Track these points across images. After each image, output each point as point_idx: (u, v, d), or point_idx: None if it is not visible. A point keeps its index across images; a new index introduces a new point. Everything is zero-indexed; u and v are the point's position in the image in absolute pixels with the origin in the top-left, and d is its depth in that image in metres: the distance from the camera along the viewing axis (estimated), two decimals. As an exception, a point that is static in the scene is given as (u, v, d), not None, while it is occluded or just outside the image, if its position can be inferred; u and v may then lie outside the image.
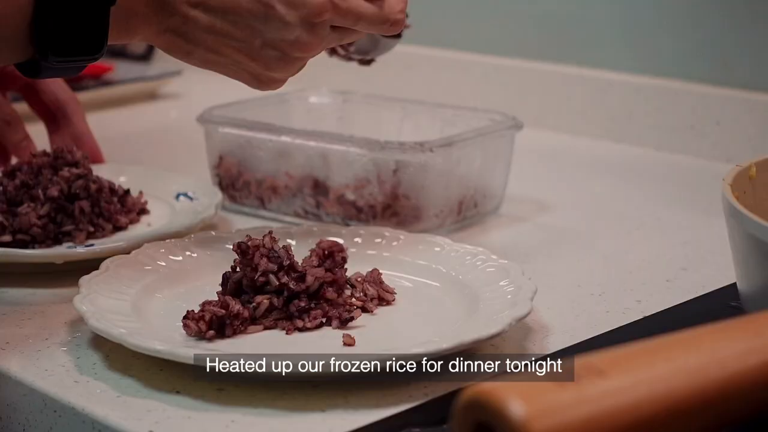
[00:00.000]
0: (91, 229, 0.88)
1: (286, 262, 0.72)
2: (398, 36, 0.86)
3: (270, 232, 0.74)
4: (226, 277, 0.74)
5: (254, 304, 0.71)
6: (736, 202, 0.63)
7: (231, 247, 0.74)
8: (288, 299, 0.72)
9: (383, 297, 0.76)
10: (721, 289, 0.81)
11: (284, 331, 0.71)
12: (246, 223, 0.95)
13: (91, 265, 0.78)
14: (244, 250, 0.73)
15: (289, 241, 0.76)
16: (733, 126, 1.18)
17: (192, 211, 0.93)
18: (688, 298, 0.80)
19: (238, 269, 0.73)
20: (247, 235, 0.74)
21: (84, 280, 0.74)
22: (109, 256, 0.79)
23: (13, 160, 0.97)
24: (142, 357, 0.68)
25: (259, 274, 0.72)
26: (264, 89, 0.81)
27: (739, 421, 0.51)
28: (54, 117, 1.02)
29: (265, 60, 0.76)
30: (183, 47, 0.76)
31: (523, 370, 0.64)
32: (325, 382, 0.65)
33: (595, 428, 0.45)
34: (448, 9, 1.40)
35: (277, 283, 0.72)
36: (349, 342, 0.69)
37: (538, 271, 0.83)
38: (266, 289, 0.72)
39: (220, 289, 0.74)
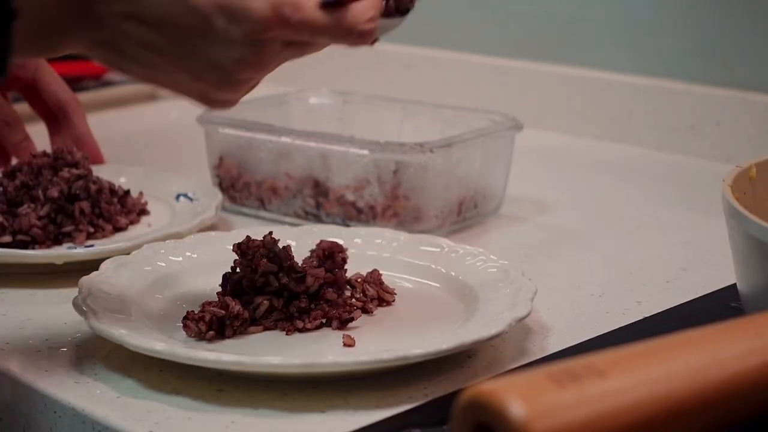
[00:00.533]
0: (91, 229, 0.88)
1: (287, 263, 0.72)
2: (404, 13, 0.75)
3: (270, 233, 0.74)
4: (226, 278, 0.74)
5: (254, 304, 0.71)
6: (737, 202, 0.63)
7: (231, 248, 0.74)
8: (288, 300, 0.72)
9: (383, 298, 0.75)
10: (721, 289, 0.81)
11: (284, 332, 0.71)
12: (246, 224, 0.95)
13: (91, 265, 0.78)
14: (244, 250, 0.73)
15: (289, 241, 0.76)
16: (733, 126, 1.18)
17: (192, 211, 0.93)
18: (688, 299, 0.80)
19: (238, 270, 0.73)
20: (247, 236, 0.74)
21: (84, 280, 0.74)
22: (109, 257, 0.79)
23: (14, 161, 0.96)
24: (142, 357, 0.68)
25: (259, 274, 0.72)
26: (215, 109, 0.73)
27: (740, 422, 0.51)
28: (55, 117, 1.02)
29: (208, 81, 0.67)
30: (118, 62, 0.67)
31: (523, 370, 0.64)
32: (325, 383, 0.65)
33: (595, 429, 0.45)
34: (448, 9, 1.40)
35: (277, 284, 0.72)
36: (349, 343, 0.69)
37: (538, 272, 0.83)
38: (266, 289, 0.72)
39: (220, 289, 0.74)
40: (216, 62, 0.66)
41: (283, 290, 0.72)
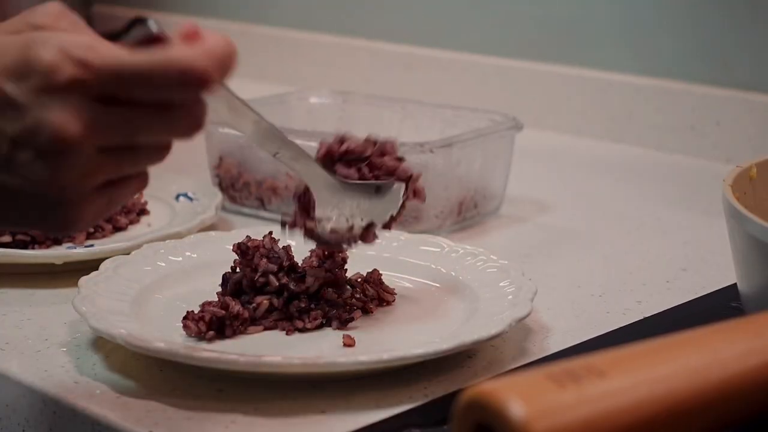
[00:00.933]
0: (91, 229, 0.88)
1: (286, 263, 0.72)
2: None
3: (270, 233, 0.74)
4: (226, 278, 0.74)
5: (254, 304, 0.71)
6: (737, 202, 0.63)
7: (231, 248, 0.74)
8: (288, 300, 0.72)
9: (383, 298, 0.75)
10: (721, 289, 0.81)
11: (284, 332, 0.71)
12: (246, 224, 0.95)
13: (91, 265, 0.78)
14: (243, 250, 0.73)
15: (289, 241, 0.76)
16: (734, 126, 1.18)
17: (192, 211, 0.93)
18: (689, 299, 0.80)
19: (238, 270, 0.73)
20: (247, 236, 0.74)
21: (84, 280, 0.74)
22: (109, 257, 0.79)
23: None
24: (142, 357, 0.68)
25: (259, 274, 0.72)
26: (62, 234, 0.63)
27: (740, 422, 0.51)
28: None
29: (23, 170, 0.53)
30: None
31: (523, 371, 0.64)
32: (325, 383, 0.65)
33: (595, 429, 0.45)
34: (448, 9, 1.40)
35: (277, 284, 0.72)
36: (349, 342, 0.69)
37: (538, 272, 0.83)
38: (266, 289, 0.72)
39: (219, 289, 0.74)
40: (21, 138, 0.52)
41: (283, 290, 0.72)
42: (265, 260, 0.72)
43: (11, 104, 0.52)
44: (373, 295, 0.75)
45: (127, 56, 0.52)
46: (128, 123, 0.53)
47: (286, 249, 0.73)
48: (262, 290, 0.72)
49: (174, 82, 0.52)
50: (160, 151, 0.56)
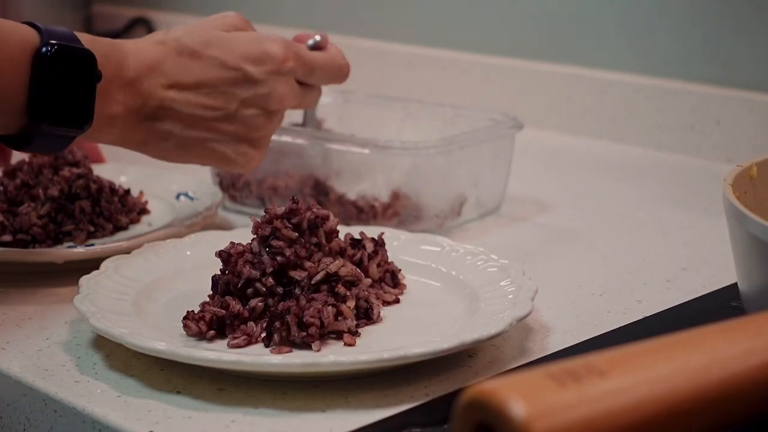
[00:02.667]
0: (92, 228, 0.88)
1: (269, 269, 0.71)
2: None
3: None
4: (215, 280, 0.73)
5: (249, 307, 0.71)
6: (737, 202, 0.63)
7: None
8: (282, 298, 0.71)
9: (383, 298, 0.75)
10: (721, 289, 0.81)
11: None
12: (246, 223, 0.95)
13: (92, 264, 0.78)
14: (225, 258, 0.72)
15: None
16: (734, 126, 1.18)
17: (192, 210, 0.93)
18: (689, 298, 0.80)
19: (227, 272, 0.73)
20: (230, 242, 0.73)
21: (84, 280, 0.74)
22: (110, 256, 0.79)
23: (14, 160, 0.96)
24: (143, 357, 0.68)
25: (241, 282, 0.71)
26: (239, 169, 0.83)
27: (740, 422, 0.51)
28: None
29: (244, 120, 0.81)
30: (160, 132, 0.79)
31: (524, 370, 0.64)
32: (325, 382, 0.65)
33: (596, 428, 0.45)
34: (448, 9, 1.40)
35: (264, 289, 0.71)
36: (349, 342, 0.69)
37: (538, 271, 0.83)
38: (251, 293, 0.71)
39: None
40: (250, 101, 0.80)
41: (274, 292, 0.71)
42: (248, 267, 0.72)
43: (249, 80, 0.80)
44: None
45: (317, 55, 0.84)
46: (305, 98, 0.85)
47: (274, 253, 0.72)
48: (250, 295, 0.71)
49: (336, 73, 0.85)
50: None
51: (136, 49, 0.78)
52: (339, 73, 0.85)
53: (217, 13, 0.84)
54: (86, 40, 0.75)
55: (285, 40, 0.82)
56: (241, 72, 0.79)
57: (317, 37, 0.85)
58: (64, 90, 0.72)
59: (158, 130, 0.79)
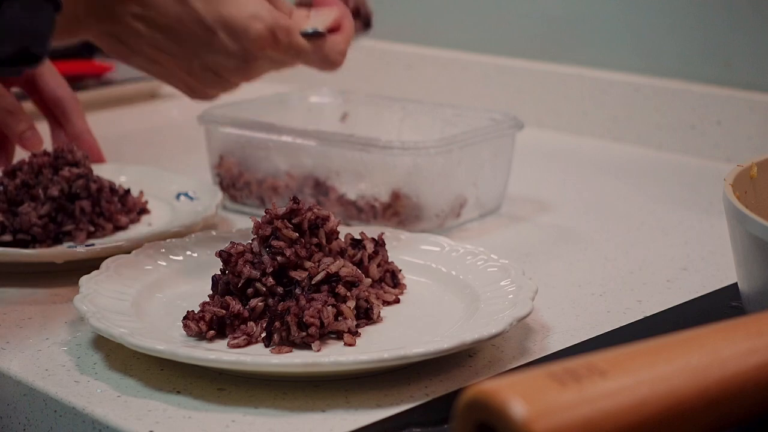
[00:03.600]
0: (92, 228, 0.88)
1: (270, 270, 0.71)
2: (367, 27, 0.91)
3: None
4: (215, 280, 0.73)
5: (249, 307, 0.71)
6: (738, 201, 0.63)
7: None
8: (283, 297, 0.71)
9: (383, 297, 0.75)
10: (721, 289, 0.81)
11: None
12: (246, 223, 0.95)
13: (92, 264, 0.78)
14: (225, 258, 0.72)
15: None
16: (734, 126, 1.18)
17: (192, 210, 0.93)
18: (689, 298, 0.80)
19: (227, 272, 0.73)
20: (231, 242, 0.73)
21: (84, 279, 0.74)
22: (110, 256, 0.79)
23: (16, 158, 0.96)
24: (143, 357, 0.68)
25: (242, 281, 0.71)
26: (196, 100, 0.84)
27: (741, 422, 0.51)
28: (53, 115, 1.01)
29: (200, 78, 0.81)
30: (122, 52, 0.80)
31: (524, 370, 0.64)
32: (325, 382, 0.65)
33: (596, 428, 0.45)
34: (448, 9, 1.40)
35: (264, 289, 0.71)
36: (349, 342, 0.69)
37: (538, 271, 0.83)
38: (251, 293, 0.71)
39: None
40: (211, 65, 0.78)
41: (274, 292, 0.71)
42: (248, 267, 0.72)
43: (218, 48, 0.78)
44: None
45: (304, 44, 0.81)
46: (283, 66, 0.83)
47: (274, 253, 0.72)
48: (249, 294, 0.71)
49: (320, 67, 0.84)
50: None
51: None
52: (320, 65, 0.83)
53: None
54: None
55: (274, 21, 0.79)
56: (214, 37, 0.78)
57: (318, 27, 0.83)
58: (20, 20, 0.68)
59: (119, 49, 0.79)
